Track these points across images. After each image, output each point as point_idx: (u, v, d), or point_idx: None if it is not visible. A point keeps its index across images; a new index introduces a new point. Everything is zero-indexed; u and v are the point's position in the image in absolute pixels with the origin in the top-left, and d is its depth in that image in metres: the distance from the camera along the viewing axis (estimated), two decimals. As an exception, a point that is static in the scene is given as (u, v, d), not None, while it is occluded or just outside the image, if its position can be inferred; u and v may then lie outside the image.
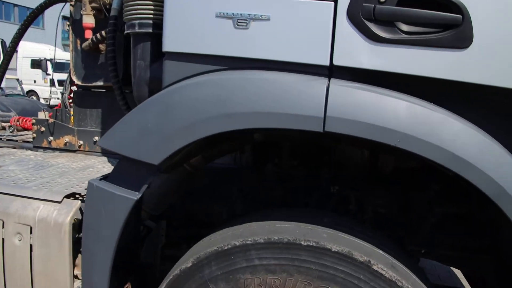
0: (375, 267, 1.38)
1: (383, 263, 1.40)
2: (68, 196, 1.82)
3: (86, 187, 1.64)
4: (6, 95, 9.36)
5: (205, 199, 2.49)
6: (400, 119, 1.25)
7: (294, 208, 2.05)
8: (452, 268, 3.39)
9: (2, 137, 3.00)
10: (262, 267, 1.49)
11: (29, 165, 2.31)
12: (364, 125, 1.25)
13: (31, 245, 1.78)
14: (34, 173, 2.15)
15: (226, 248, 1.53)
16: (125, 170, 1.62)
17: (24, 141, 2.92)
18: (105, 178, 1.67)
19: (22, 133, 3.18)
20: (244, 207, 2.38)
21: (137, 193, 1.57)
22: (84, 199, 1.72)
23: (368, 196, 2.11)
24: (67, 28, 2.59)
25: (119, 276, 1.95)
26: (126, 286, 2.02)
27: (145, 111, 1.52)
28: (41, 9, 2.80)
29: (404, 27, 1.33)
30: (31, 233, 1.78)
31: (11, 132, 3.21)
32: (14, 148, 2.84)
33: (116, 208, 1.56)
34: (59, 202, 1.79)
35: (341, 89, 1.33)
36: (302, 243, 1.44)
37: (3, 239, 1.82)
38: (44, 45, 20.44)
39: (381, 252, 1.46)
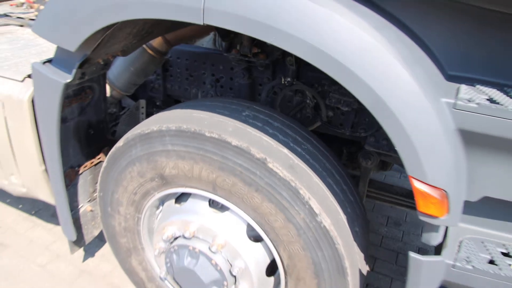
0: (270, 165, 1.40)
1: (281, 162, 1.41)
2: (30, 76, 1.96)
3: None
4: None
5: (183, 81, 2.55)
6: (280, 15, 1.10)
7: (224, 98, 2.03)
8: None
9: (12, 15, 3.17)
10: (174, 153, 1.57)
11: (17, 45, 2.47)
12: (239, 19, 1.13)
13: (5, 118, 2.03)
14: (16, 53, 2.30)
15: (146, 132, 1.62)
16: (60, 54, 1.69)
17: (30, 19, 3.06)
18: (49, 61, 1.76)
19: (32, 10, 3.31)
20: (215, 91, 2.41)
21: (69, 76, 1.66)
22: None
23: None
24: None
25: (91, 148, 2.20)
26: (99, 156, 2.27)
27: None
28: None
29: None
30: (4, 107, 2.00)
31: (24, 9, 3.35)
32: (22, 25, 3.00)
33: (50, 89, 1.68)
34: (21, 81, 1.95)
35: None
36: (206, 134, 1.47)
37: (-14, 111, 2.08)
38: None
39: (285, 151, 1.45)
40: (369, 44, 1.03)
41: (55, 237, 2.92)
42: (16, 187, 2.26)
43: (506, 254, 1.30)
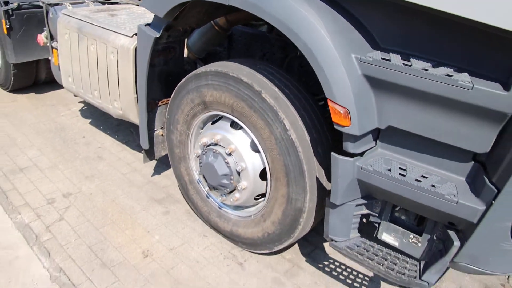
0: (263, 95, 2.22)
1: (270, 94, 2.22)
2: (136, 34, 3.02)
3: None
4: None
5: (241, 54, 3.46)
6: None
7: (252, 59, 2.88)
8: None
9: (132, -3, 4.37)
10: (211, 86, 2.48)
11: (133, 16, 3.59)
12: (245, 2, 1.99)
13: (118, 60, 3.12)
14: (131, 21, 3.42)
15: (198, 72, 2.55)
16: (155, 20, 2.69)
17: None
18: (149, 24, 2.78)
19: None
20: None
21: (158, 33, 2.65)
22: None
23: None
24: None
25: (169, 90, 3.20)
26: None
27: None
28: None
29: None
30: (118, 53, 3.10)
31: (141, -6, 4.55)
32: (138, 5, 4.18)
33: (146, 41, 2.69)
34: (130, 37, 3.02)
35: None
36: (230, 74, 2.34)
37: (107, 55, 3.20)
38: None
39: (275, 89, 2.26)
40: (306, 19, 1.81)
41: (135, 158, 4.04)
42: (116, 110, 3.36)
43: (402, 169, 1.96)
